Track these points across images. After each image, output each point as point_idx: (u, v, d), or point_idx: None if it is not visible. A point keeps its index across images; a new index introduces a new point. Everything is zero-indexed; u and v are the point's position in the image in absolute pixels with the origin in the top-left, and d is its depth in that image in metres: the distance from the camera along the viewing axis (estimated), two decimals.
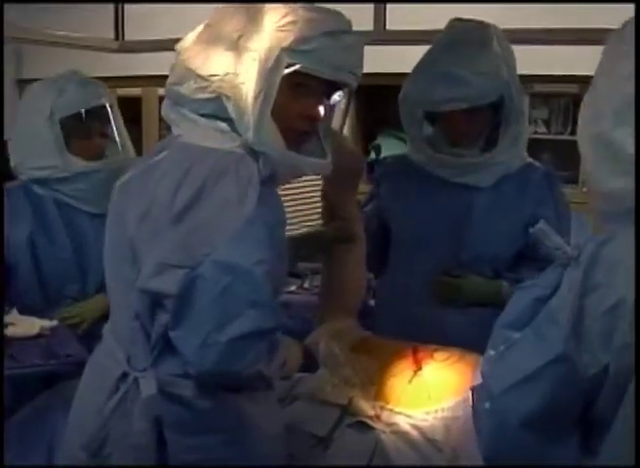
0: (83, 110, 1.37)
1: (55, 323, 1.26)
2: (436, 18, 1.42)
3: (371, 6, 1.65)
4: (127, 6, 2.02)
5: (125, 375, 0.93)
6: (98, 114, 1.40)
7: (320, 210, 1.35)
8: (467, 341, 1.20)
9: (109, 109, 1.42)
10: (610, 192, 0.71)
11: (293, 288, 1.92)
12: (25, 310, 1.30)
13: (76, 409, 1.00)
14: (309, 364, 1.10)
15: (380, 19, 1.61)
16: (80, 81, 1.42)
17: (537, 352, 0.74)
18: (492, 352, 0.81)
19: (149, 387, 0.89)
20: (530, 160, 1.41)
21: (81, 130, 1.38)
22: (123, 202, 0.97)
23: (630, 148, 0.67)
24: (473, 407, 0.83)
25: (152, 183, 0.92)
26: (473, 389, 0.84)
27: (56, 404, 1.16)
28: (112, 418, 0.92)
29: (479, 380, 1.13)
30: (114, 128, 1.42)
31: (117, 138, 1.42)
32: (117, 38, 1.97)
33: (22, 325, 1.22)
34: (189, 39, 0.96)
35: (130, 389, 0.92)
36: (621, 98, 0.68)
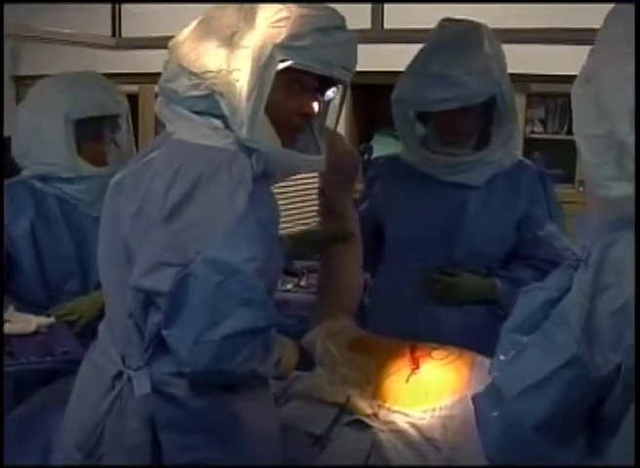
0: (99, 116, 1.38)
1: (52, 320, 1.26)
2: (433, 17, 1.42)
3: (368, 5, 1.65)
4: (124, 3, 2.02)
5: (120, 374, 0.93)
6: (112, 121, 1.41)
7: (315, 208, 1.35)
8: (461, 338, 1.22)
9: (124, 118, 1.43)
10: (613, 199, 0.70)
11: (289, 286, 1.92)
12: (27, 305, 1.31)
13: (72, 408, 1.00)
14: (306, 363, 1.10)
15: (377, 17, 1.62)
16: (102, 85, 1.43)
17: (548, 355, 0.73)
18: (502, 357, 0.80)
19: (143, 386, 0.90)
20: (521, 158, 1.43)
21: (92, 134, 1.38)
22: (117, 200, 0.97)
23: None
24: (477, 412, 0.82)
25: (145, 181, 0.92)
26: (475, 396, 0.83)
27: (52, 402, 1.15)
28: (107, 417, 0.92)
29: (477, 380, 1.13)
30: (125, 136, 1.43)
31: (125, 146, 1.43)
32: (114, 35, 1.97)
33: (19, 322, 1.22)
34: (182, 36, 0.96)
35: (124, 388, 0.92)
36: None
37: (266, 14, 0.91)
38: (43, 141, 1.36)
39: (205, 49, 0.92)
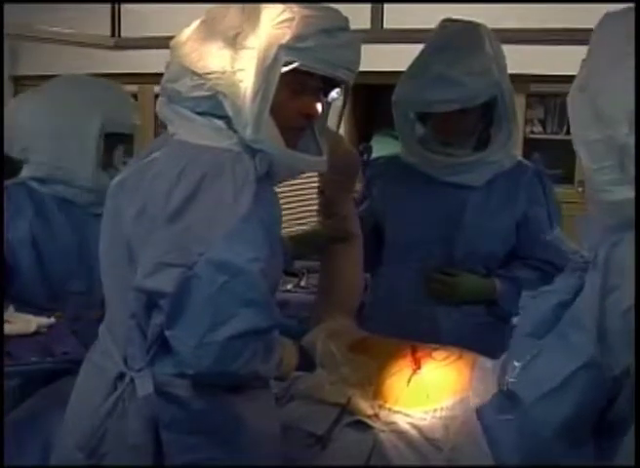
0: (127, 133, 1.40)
1: (52, 320, 1.26)
2: (433, 17, 1.43)
3: (368, 5, 1.66)
4: (123, 3, 2.02)
5: (122, 375, 0.93)
6: (128, 136, 1.43)
7: (314, 208, 1.36)
8: (461, 339, 1.22)
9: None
10: (615, 203, 0.71)
11: (289, 286, 1.93)
12: (30, 307, 1.30)
13: (72, 409, 1.00)
14: (306, 363, 1.10)
15: (377, 17, 1.63)
16: (131, 102, 1.46)
17: (565, 358, 0.74)
18: (516, 363, 0.80)
19: (146, 387, 0.90)
20: (520, 159, 1.44)
21: (110, 147, 1.39)
22: (119, 200, 0.97)
23: None
24: (485, 423, 0.80)
25: (147, 182, 0.93)
26: (481, 408, 0.82)
27: (52, 402, 1.16)
28: (109, 418, 0.92)
29: (478, 380, 1.13)
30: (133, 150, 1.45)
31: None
32: (113, 35, 1.97)
33: (19, 322, 1.22)
34: (184, 36, 0.97)
35: (126, 389, 0.92)
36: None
37: (270, 15, 0.91)
38: (61, 145, 1.35)
39: (208, 50, 0.92)
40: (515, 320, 1.42)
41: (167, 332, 0.87)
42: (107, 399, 0.92)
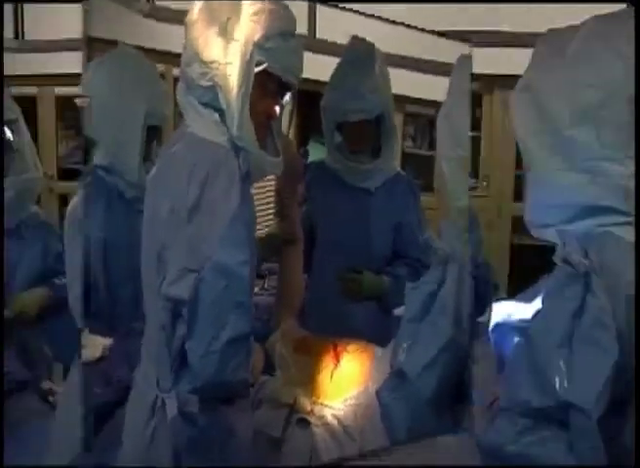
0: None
1: (111, 341, 1.02)
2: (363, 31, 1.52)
3: (304, 13, 1.66)
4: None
5: (157, 399, 0.91)
6: (159, 128, 1.34)
7: (269, 211, 1.36)
8: (362, 332, 1.38)
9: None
10: (467, 208, 0.90)
11: (256, 289, 1.85)
12: (96, 320, 1.19)
13: (126, 437, 0.98)
14: (268, 366, 1.12)
15: (311, 27, 1.65)
16: (163, 87, 1.33)
17: (434, 339, 0.92)
18: (404, 344, 0.99)
19: (172, 408, 0.82)
20: (398, 169, 1.68)
21: (148, 139, 1.31)
22: (153, 198, 0.95)
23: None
24: (382, 398, 0.96)
25: (172, 180, 0.91)
26: (379, 390, 0.98)
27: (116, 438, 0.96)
28: (151, 445, 0.85)
29: (376, 369, 1.30)
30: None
31: None
32: (17, 37, 1.64)
33: (88, 346, 0.98)
34: (194, 13, 0.94)
35: (159, 412, 0.84)
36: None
37: (247, 6, 0.91)
38: (119, 131, 1.25)
39: (209, 35, 0.90)
40: (397, 311, 1.67)
41: (186, 344, 0.84)
42: (148, 425, 0.88)
